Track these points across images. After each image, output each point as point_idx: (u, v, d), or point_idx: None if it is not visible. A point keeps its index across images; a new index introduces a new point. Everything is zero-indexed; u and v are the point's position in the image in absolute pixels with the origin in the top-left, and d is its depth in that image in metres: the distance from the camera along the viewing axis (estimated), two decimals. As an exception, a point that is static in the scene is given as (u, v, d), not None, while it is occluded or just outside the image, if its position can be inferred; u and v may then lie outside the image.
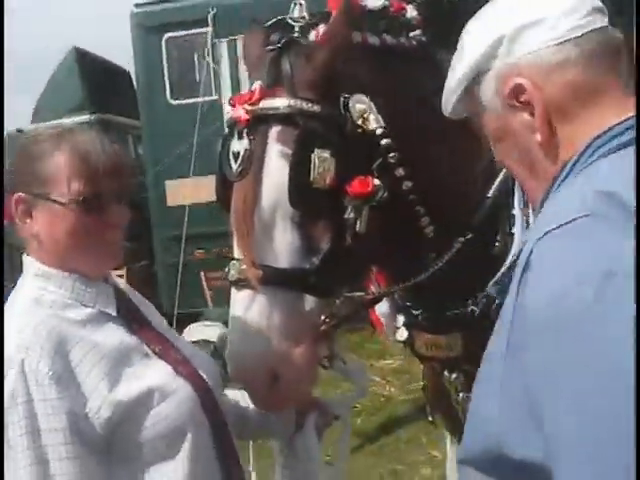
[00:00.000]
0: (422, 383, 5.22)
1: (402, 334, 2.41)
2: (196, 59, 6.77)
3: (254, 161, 1.71)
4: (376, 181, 1.78)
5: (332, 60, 1.76)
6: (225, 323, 2.34)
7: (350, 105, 1.82)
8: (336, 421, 1.87)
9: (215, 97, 6.69)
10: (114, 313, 1.47)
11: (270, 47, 1.80)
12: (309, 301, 1.74)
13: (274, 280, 1.70)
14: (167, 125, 6.72)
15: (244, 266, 1.69)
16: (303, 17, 1.91)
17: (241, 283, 1.70)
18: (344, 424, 1.93)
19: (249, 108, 1.73)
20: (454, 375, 2.23)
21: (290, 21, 1.90)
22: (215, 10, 5.41)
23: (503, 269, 2.07)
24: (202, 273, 6.58)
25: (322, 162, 1.74)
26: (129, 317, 1.51)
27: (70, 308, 1.43)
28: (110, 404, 1.35)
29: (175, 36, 6.95)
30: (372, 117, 2.16)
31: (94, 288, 1.46)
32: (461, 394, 2.27)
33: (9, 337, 1.34)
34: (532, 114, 1.08)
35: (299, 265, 1.72)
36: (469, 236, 1.99)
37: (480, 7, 1.31)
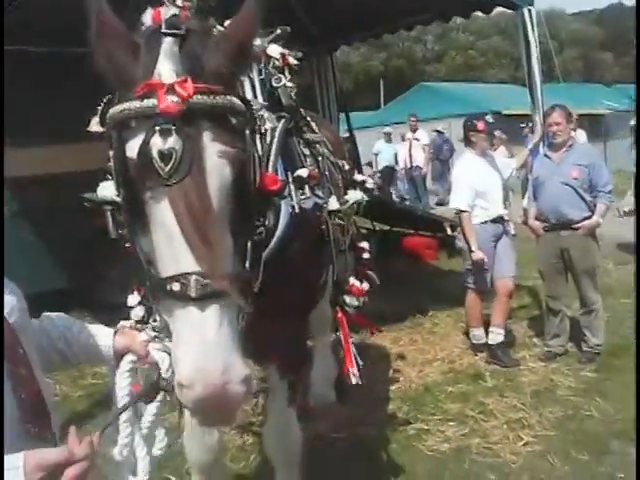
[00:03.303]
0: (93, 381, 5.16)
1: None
2: None
3: (191, 161, 1.53)
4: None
5: (241, 51, 1.70)
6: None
7: (252, 103, 1.84)
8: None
9: None
10: None
11: (171, 30, 1.65)
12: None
13: (241, 289, 1.59)
14: None
15: (207, 279, 1.51)
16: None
17: (209, 297, 1.51)
18: None
19: (178, 101, 1.54)
20: None
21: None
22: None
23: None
24: None
25: (253, 161, 1.75)
26: None
27: None
28: None
29: None
30: (267, 115, 2.19)
31: None
32: None
33: None
34: None
35: (236, 270, 1.63)
36: None
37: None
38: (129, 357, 1.76)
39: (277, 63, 3.10)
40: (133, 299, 2.60)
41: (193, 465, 3.14)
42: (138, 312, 2.59)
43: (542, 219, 5.73)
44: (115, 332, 1.85)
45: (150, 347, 1.76)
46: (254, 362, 2.68)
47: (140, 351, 1.76)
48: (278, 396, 2.96)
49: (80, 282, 7.16)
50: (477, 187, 5.72)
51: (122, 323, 1.93)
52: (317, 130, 3.52)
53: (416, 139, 17.43)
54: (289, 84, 3.04)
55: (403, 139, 18.29)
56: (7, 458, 1.35)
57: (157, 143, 1.53)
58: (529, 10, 7.01)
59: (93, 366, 4.57)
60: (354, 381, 3.46)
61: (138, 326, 1.93)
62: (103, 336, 1.84)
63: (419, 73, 44.19)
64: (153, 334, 1.75)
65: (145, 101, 1.57)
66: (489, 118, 6.00)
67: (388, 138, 18.34)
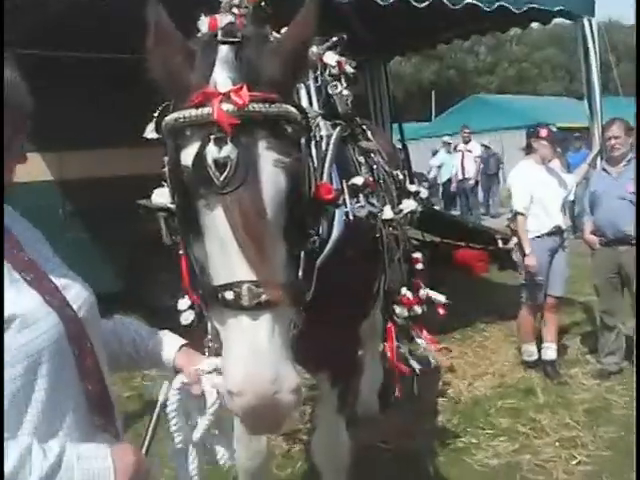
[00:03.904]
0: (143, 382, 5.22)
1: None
2: None
3: (246, 170, 1.51)
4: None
5: (298, 58, 1.68)
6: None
7: (307, 110, 1.83)
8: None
9: None
10: None
11: (228, 38, 1.64)
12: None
13: (293, 298, 1.58)
14: None
15: (260, 288, 1.49)
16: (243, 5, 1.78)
17: (261, 307, 1.50)
18: None
19: (234, 110, 1.52)
20: None
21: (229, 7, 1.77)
22: None
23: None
24: None
25: (308, 170, 1.75)
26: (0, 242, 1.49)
27: None
28: None
29: None
30: (322, 123, 2.18)
31: None
32: None
33: None
34: None
35: (289, 279, 1.62)
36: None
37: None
38: (181, 377, 1.75)
39: (333, 71, 3.09)
40: (183, 303, 2.61)
41: (240, 470, 3.14)
42: (188, 316, 2.60)
43: (598, 234, 5.61)
44: (181, 346, 1.85)
45: (204, 378, 1.72)
46: (305, 370, 2.68)
47: (192, 378, 1.74)
48: (328, 404, 2.94)
49: (130, 285, 7.28)
50: (533, 192, 5.61)
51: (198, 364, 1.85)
52: (372, 139, 3.51)
53: (469, 151, 17.25)
54: (345, 92, 3.02)
55: (455, 148, 18.09)
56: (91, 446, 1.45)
57: (212, 151, 1.51)
58: (589, 21, 6.87)
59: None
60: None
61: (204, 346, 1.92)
62: (168, 346, 1.84)
63: (471, 85, 43.78)
64: (214, 364, 1.70)
65: (200, 109, 1.55)
66: (553, 127, 5.90)
67: (448, 148, 18.15)
